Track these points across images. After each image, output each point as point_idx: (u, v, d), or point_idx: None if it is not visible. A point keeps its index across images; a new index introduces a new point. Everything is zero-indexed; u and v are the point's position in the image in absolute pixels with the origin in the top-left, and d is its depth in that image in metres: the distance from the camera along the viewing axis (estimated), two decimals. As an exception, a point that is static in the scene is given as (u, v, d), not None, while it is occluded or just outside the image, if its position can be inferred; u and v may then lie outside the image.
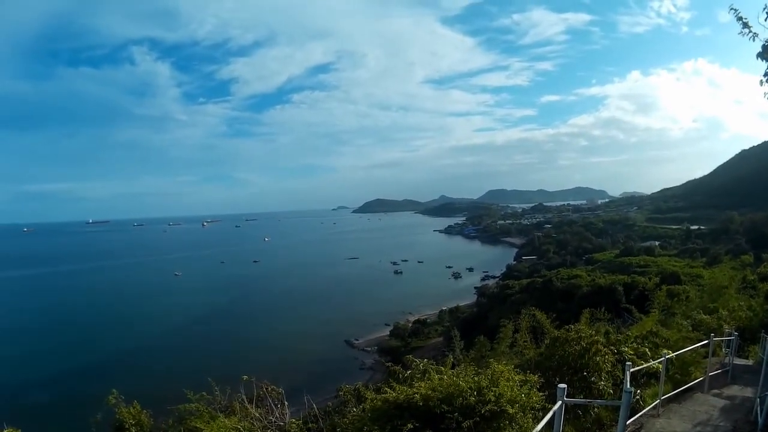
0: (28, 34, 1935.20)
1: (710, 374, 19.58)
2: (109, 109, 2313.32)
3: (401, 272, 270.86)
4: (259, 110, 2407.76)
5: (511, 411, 10.82)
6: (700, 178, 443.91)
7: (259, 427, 16.15)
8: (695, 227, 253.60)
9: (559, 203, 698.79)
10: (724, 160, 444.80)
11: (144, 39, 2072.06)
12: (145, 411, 17.16)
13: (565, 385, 10.53)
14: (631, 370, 13.89)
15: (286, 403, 18.05)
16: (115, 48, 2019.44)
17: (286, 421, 16.86)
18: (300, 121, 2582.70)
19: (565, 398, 10.26)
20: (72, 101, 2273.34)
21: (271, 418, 16.77)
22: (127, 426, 16.74)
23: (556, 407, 10.01)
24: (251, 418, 16.47)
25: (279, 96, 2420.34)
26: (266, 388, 18.33)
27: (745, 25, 11.73)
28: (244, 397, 17.76)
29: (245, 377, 18.40)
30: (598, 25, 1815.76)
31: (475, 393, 11.10)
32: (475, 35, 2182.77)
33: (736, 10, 11.84)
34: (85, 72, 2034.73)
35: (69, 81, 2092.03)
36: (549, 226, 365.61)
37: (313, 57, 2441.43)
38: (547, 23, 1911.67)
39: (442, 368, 14.38)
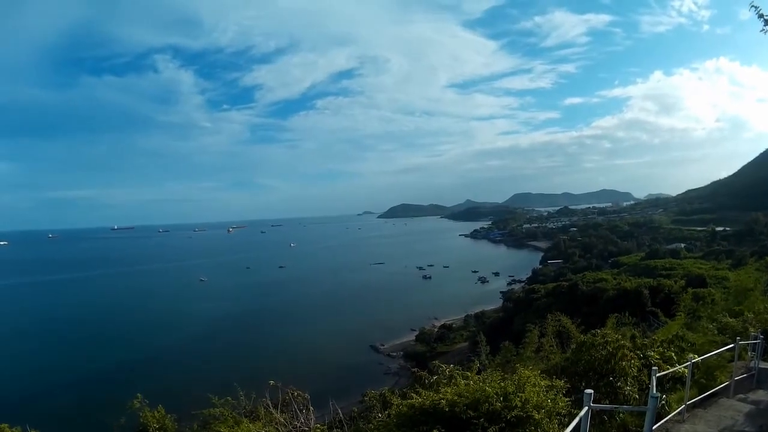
0: (53, 44, 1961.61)
1: (736, 379, 19.39)
2: (132, 116, 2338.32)
3: (430, 277, 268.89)
4: (283, 116, 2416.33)
5: (537, 416, 10.82)
6: (725, 179, 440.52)
7: (284, 432, 16.18)
8: (720, 229, 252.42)
9: (584, 206, 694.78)
10: (748, 160, 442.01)
11: (167, 47, 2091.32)
12: (169, 415, 17.23)
13: (592, 391, 10.48)
14: (657, 375, 13.80)
15: (311, 408, 18.11)
16: (138, 56, 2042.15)
17: (311, 426, 16.90)
18: (324, 127, 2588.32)
19: (591, 404, 10.22)
20: (96, 109, 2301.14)
21: (296, 423, 16.82)
22: (151, 430, 16.80)
23: (582, 413, 9.95)
24: (276, 423, 16.53)
25: (303, 102, 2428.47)
26: (291, 393, 18.37)
27: (767, 22, 11.60)
28: (269, 402, 17.82)
29: (271, 382, 18.48)
30: (620, 26, 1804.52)
31: (501, 398, 11.10)
32: (497, 38, 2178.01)
33: (757, 7, 11.70)
34: (108, 80, 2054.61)
35: (93, 89, 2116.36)
36: (574, 229, 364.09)
37: (336, 63, 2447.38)
38: (568, 25, 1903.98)
39: (468, 373, 14.37)
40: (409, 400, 12.16)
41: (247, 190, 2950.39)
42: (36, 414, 78.08)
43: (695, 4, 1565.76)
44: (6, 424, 15.88)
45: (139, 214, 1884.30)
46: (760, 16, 11.65)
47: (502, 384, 11.68)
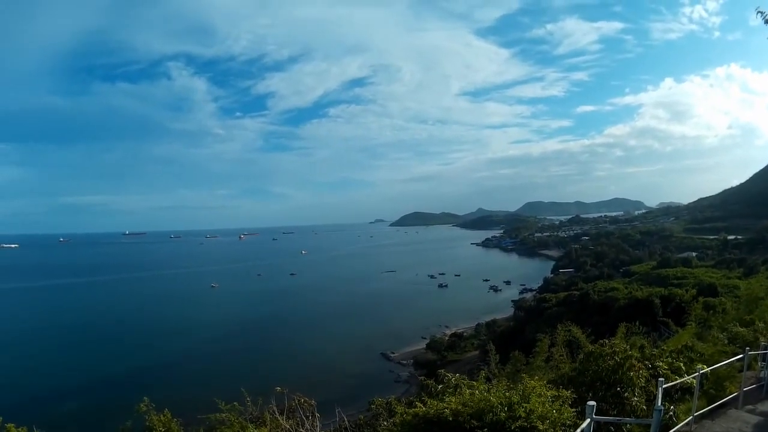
0: (66, 51, 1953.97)
1: (745, 389, 19.24)
2: (146, 123, 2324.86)
3: (446, 285, 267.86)
4: (295, 124, 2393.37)
5: (541, 427, 10.79)
6: (736, 187, 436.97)
7: (289, 439, 16.18)
8: (732, 237, 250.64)
9: (596, 215, 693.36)
10: (760, 168, 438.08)
11: (180, 54, 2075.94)
12: (175, 419, 17.20)
13: (594, 402, 10.46)
14: (665, 385, 13.72)
15: (317, 415, 18.06)
16: (151, 63, 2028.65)
17: (316, 433, 16.89)
18: (337, 135, 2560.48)
19: (594, 416, 10.18)
20: (110, 116, 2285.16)
21: (301, 430, 16.79)
22: (155, 433, 16.80)
23: (584, 425, 9.94)
24: (282, 429, 16.50)
25: (315, 110, 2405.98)
26: (298, 400, 18.36)
27: (773, 28, 11.51)
28: (275, 408, 17.80)
29: (278, 388, 18.47)
30: (631, 33, 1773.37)
31: (506, 408, 11.10)
32: (510, 46, 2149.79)
33: (762, 12, 11.61)
34: (121, 87, 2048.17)
35: (106, 96, 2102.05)
36: (586, 238, 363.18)
37: (348, 71, 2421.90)
38: (580, 33, 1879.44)
39: (474, 383, 14.34)
40: (413, 409, 12.16)
41: (259, 198, 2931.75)
42: (44, 415, 78.13)
43: (706, 10, 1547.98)
44: (12, 424, 15.87)
45: (152, 220, 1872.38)
46: (767, 22, 11.56)
47: (507, 394, 11.70)
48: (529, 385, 11.99)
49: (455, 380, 15.59)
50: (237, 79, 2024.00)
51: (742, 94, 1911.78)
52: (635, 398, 15.07)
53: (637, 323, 28.33)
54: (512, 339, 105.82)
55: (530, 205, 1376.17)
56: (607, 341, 17.54)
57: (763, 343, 23.46)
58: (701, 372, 16.62)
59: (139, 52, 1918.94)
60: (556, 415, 11.26)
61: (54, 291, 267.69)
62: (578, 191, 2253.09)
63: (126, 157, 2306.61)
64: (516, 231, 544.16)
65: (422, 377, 21.00)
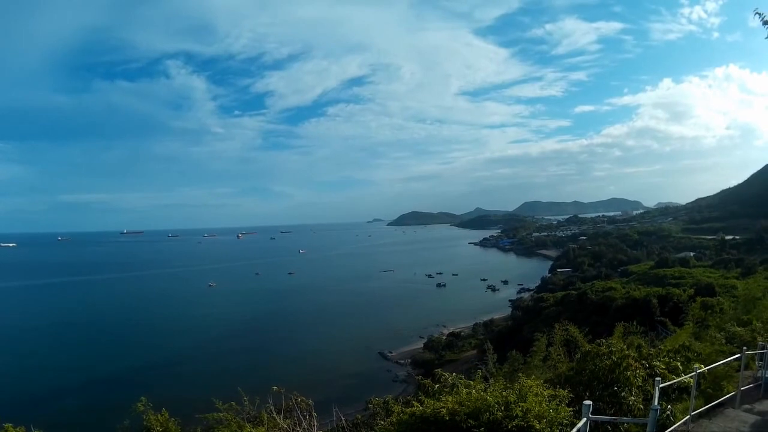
0: (66, 49, 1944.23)
1: (742, 389, 19.18)
2: (145, 121, 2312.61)
3: (444, 285, 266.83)
4: (294, 123, 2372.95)
5: (538, 426, 10.80)
6: (735, 187, 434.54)
7: (286, 438, 16.17)
8: (730, 237, 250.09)
9: (593, 215, 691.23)
10: (758, 168, 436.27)
11: (180, 53, 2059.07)
12: (173, 418, 17.20)
13: (591, 402, 10.44)
14: (662, 385, 13.72)
15: (314, 414, 18.06)
16: (150, 62, 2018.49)
17: (314, 433, 16.88)
18: (336, 134, 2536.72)
19: (590, 415, 10.17)
20: (109, 114, 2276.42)
21: (298, 429, 16.78)
22: (153, 432, 16.80)
23: (580, 424, 9.94)
24: (279, 429, 16.49)
25: (314, 109, 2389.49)
26: (296, 399, 18.37)
27: (772, 29, 11.46)
28: (272, 407, 17.79)
29: (275, 388, 18.47)
30: (630, 33, 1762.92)
31: (503, 408, 11.09)
32: (509, 46, 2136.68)
33: (761, 14, 11.57)
34: (121, 85, 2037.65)
35: (106, 94, 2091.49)
36: (584, 238, 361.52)
37: (348, 70, 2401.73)
38: (579, 32, 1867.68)
39: (471, 382, 14.32)
40: (410, 408, 12.15)
41: (260, 197, 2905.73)
42: (41, 415, 78.02)
43: (705, 11, 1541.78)
44: (10, 424, 15.89)
45: (151, 218, 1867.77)
46: (765, 22, 11.51)
47: (504, 393, 11.69)
48: (526, 385, 12.00)
49: (452, 379, 15.62)
50: (236, 78, 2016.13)
51: (740, 95, 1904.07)
52: (632, 397, 15.08)
53: (635, 323, 28.30)
54: (510, 338, 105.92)
55: (528, 205, 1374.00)
56: (604, 341, 17.56)
57: (760, 343, 23.41)
58: (698, 371, 16.61)
59: (140, 50, 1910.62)
60: (552, 414, 11.29)
61: (51, 290, 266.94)
62: (576, 191, 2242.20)
63: (125, 155, 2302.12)
64: (514, 231, 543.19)
65: (419, 377, 21.09)
